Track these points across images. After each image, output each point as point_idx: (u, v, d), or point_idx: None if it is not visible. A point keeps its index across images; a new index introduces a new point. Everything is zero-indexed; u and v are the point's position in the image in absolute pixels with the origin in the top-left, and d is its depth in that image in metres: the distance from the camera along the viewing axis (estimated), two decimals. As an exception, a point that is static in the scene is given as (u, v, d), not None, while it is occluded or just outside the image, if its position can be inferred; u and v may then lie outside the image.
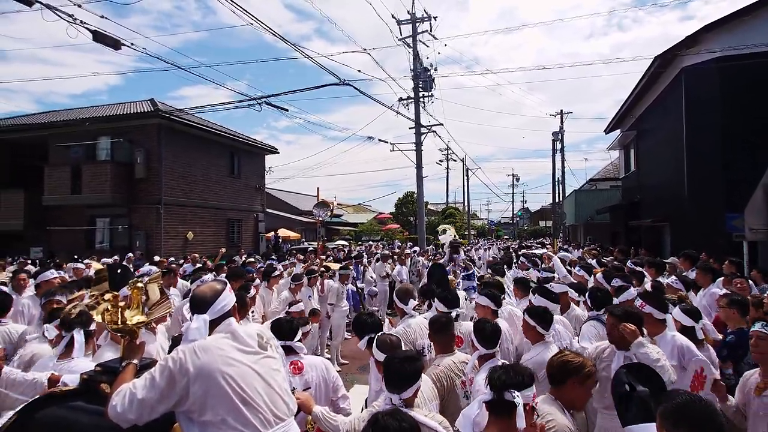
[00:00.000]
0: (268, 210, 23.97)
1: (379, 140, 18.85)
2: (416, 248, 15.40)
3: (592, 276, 5.75)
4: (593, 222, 23.12)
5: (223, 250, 10.94)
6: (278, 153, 23.72)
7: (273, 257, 13.03)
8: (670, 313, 3.38)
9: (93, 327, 3.27)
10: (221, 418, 1.81)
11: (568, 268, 6.97)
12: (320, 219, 13.63)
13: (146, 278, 2.28)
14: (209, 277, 5.52)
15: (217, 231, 19.43)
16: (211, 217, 19.10)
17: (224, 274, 6.76)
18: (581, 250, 15.15)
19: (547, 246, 17.89)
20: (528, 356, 3.21)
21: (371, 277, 11.38)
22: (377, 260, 12.07)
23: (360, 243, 26.25)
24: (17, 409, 1.91)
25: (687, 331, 3.33)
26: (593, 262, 7.70)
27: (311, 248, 17.31)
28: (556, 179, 26.85)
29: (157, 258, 11.79)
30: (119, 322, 1.99)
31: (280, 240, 22.96)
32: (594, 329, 3.53)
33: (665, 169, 13.15)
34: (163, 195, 16.59)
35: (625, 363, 2.81)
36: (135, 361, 1.98)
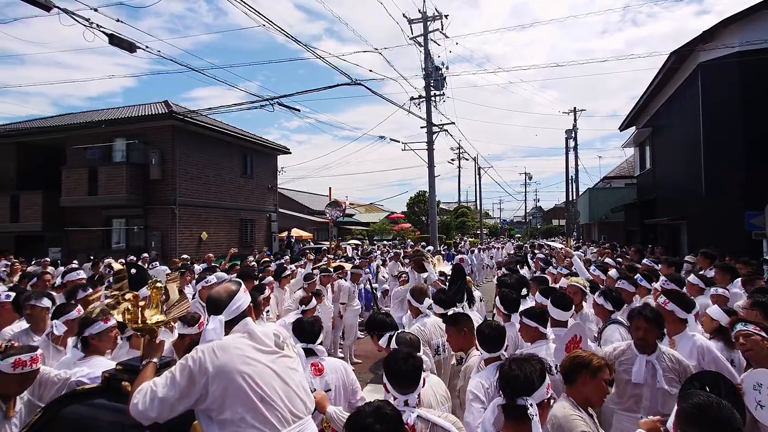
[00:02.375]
0: (280, 210, 24.12)
1: (391, 140, 18.85)
2: (430, 248, 15.36)
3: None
4: (607, 220, 22.84)
5: (234, 250, 11.01)
6: (290, 153, 23.89)
7: (286, 257, 13.09)
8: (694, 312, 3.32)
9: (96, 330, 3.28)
10: (240, 416, 1.83)
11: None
12: (332, 219, 13.67)
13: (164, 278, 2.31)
14: (212, 278, 5.55)
15: (230, 231, 19.61)
16: (224, 217, 19.29)
17: (235, 274, 6.84)
18: (595, 248, 14.99)
19: (562, 244, 17.70)
20: (526, 351, 3.17)
21: (384, 276, 11.41)
22: (389, 259, 12.09)
23: (373, 242, 26.28)
24: (43, 406, 1.95)
25: (723, 331, 3.27)
26: (610, 261, 7.60)
27: (324, 247, 17.40)
28: (570, 177, 26.59)
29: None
30: (139, 322, 2.02)
31: (293, 240, 23.08)
32: (618, 334, 3.44)
33: (682, 166, 12.94)
34: (178, 196, 16.79)
35: (648, 367, 2.78)
36: (155, 360, 2.02)
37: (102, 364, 2.89)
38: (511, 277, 5.50)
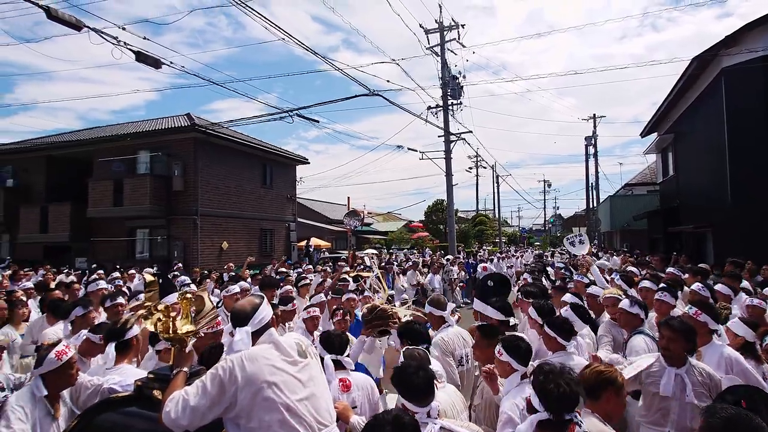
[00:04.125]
0: (298, 219, 24.36)
1: (409, 149, 18.94)
2: (449, 257, 15.30)
3: (633, 288, 5.58)
4: (630, 228, 22.41)
5: (251, 258, 11.15)
6: (309, 163, 24.15)
7: (308, 266, 13.18)
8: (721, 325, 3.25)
9: (129, 336, 3.39)
10: (267, 424, 1.88)
11: (605, 276, 6.78)
12: (351, 228, 13.74)
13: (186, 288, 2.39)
14: (236, 287, 5.65)
15: (250, 241, 19.86)
16: (244, 227, 19.56)
17: (257, 285, 6.94)
18: (617, 257, 14.70)
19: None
20: (547, 359, 3.11)
21: (402, 285, 11.39)
22: (408, 269, 12.08)
23: (390, 252, 26.29)
24: (79, 414, 2.03)
25: (749, 348, 3.18)
26: (634, 270, 7.45)
27: (343, 257, 17.47)
28: (590, 185, 26.24)
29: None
30: (170, 332, 2.09)
31: (312, 249, 23.25)
32: (644, 343, 3.39)
33: (706, 173, 12.67)
34: (200, 206, 17.11)
35: (677, 381, 2.72)
36: (185, 369, 2.08)
37: (131, 373, 2.99)
38: (533, 286, 5.45)
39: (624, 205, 23.53)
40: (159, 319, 2.08)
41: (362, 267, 11.15)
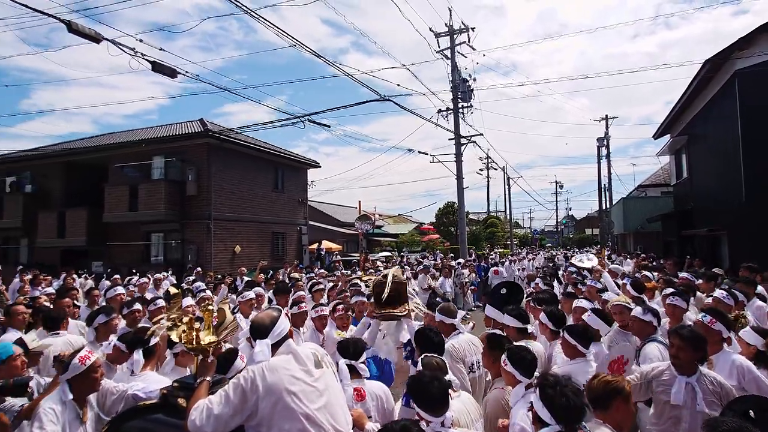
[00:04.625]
0: (310, 222, 24.53)
1: (419, 152, 19.00)
2: (460, 260, 15.31)
3: (644, 294, 5.57)
4: (643, 231, 22.18)
5: (263, 262, 11.28)
6: (320, 167, 24.30)
7: (320, 270, 13.29)
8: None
9: (153, 342, 3.53)
10: None
11: (617, 281, 6.76)
12: (362, 231, 13.83)
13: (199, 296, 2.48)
14: (251, 293, 5.77)
15: (262, 244, 20.07)
16: (257, 230, 19.77)
17: (271, 290, 7.05)
18: (631, 260, 14.58)
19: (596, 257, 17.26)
20: (565, 368, 3.12)
21: (413, 289, 11.42)
22: (419, 272, 12.10)
23: (401, 254, 26.35)
24: (108, 420, 2.13)
25: (763, 358, 3.18)
26: (649, 274, 7.40)
27: (354, 260, 17.58)
28: (602, 186, 26.04)
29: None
30: (194, 343, 2.18)
31: (323, 252, 23.40)
32: (658, 351, 3.40)
33: (721, 175, 12.53)
34: (213, 210, 17.35)
35: (687, 389, 2.74)
36: (208, 378, 2.17)
37: (153, 379, 3.10)
38: (544, 293, 5.47)
39: (637, 207, 23.28)
40: (183, 331, 2.17)
41: (375, 271, 11.22)
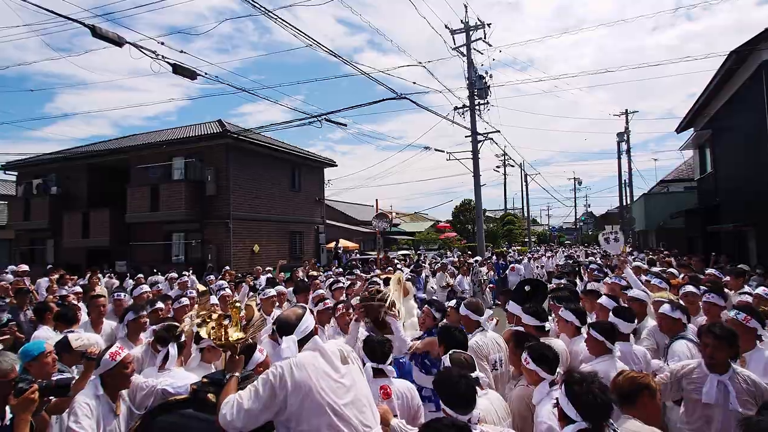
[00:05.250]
0: (327, 221, 24.66)
1: (436, 150, 18.91)
2: (478, 258, 15.21)
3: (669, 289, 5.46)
4: (666, 227, 21.71)
5: (283, 261, 11.37)
6: (336, 166, 24.39)
7: (337, 268, 13.35)
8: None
9: (183, 339, 3.62)
10: (316, 427, 1.99)
11: (643, 277, 6.63)
12: (380, 230, 13.84)
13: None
14: (272, 291, 5.83)
15: (280, 243, 20.25)
16: (275, 229, 19.96)
17: (291, 288, 7.10)
18: (653, 257, 14.28)
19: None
20: (590, 366, 3.07)
21: (432, 287, 11.39)
22: (437, 270, 12.05)
23: (418, 252, 26.31)
24: (141, 414, 2.18)
25: None
26: (675, 271, 7.24)
27: (371, 258, 17.61)
28: (623, 182, 25.58)
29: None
30: (222, 339, 2.21)
31: (341, 250, 23.49)
32: (686, 349, 3.33)
33: (747, 170, 12.19)
34: (232, 210, 17.56)
35: (719, 388, 2.68)
36: (237, 374, 2.20)
37: (181, 375, 3.16)
38: (564, 290, 5.40)
39: (659, 202, 22.82)
40: (212, 327, 2.21)
41: (392, 269, 11.22)
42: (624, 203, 26.30)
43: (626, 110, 27.81)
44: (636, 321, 3.78)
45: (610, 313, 3.84)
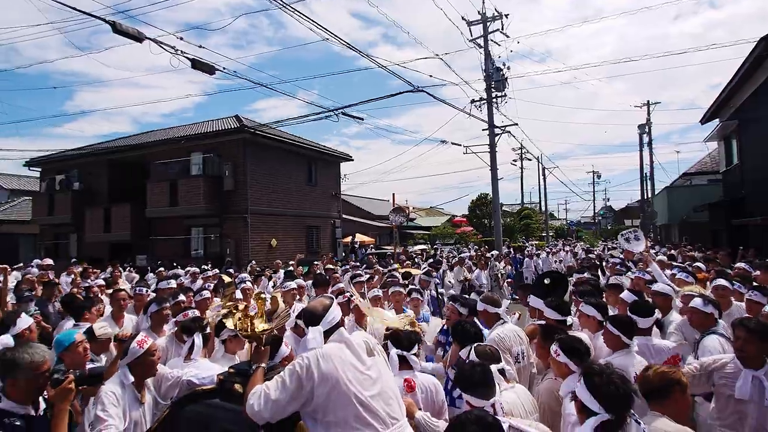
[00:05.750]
0: (343, 216, 24.72)
1: (452, 143, 18.78)
2: (494, 252, 15.09)
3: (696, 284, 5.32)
4: (689, 221, 21.22)
5: (301, 255, 11.44)
6: (352, 160, 24.38)
7: (351, 262, 13.38)
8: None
9: (208, 331, 3.66)
10: (343, 419, 1.98)
11: (668, 272, 6.47)
12: (396, 224, 13.82)
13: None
14: (292, 284, 5.86)
15: (297, 237, 20.37)
16: (292, 224, 20.08)
17: (310, 281, 7.13)
18: (675, 250, 13.99)
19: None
20: (608, 359, 2.98)
21: (449, 281, 11.34)
22: (454, 264, 12.00)
23: (434, 247, 26.24)
24: (169, 404, 2.21)
25: None
26: (701, 265, 7.07)
27: (388, 253, 17.61)
28: (644, 175, 25.07)
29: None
30: (248, 330, 2.22)
31: (357, 245, 23.54)
32: (718, 344, 3.24)
33: (776, 160, 11.81)
34: (249, 205, 17.72)
35: (754, 383, 2.61)
36: (263, 365, 2.21)
37: (206, 366, 3.20)
38: (587, 284, 5.30)
39: (682, 196, 22.29)
40: (239, 318, 2.22)
41: (411, 264, 11.22)
42: (645, 197, 25.77)
43: (648, 101, 27.23)
44: (656, 315, 3.69)
45: (628, 309, 3.76)
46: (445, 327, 4.39)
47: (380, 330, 4.58)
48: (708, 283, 5.76)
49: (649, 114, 27.12)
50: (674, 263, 7.93)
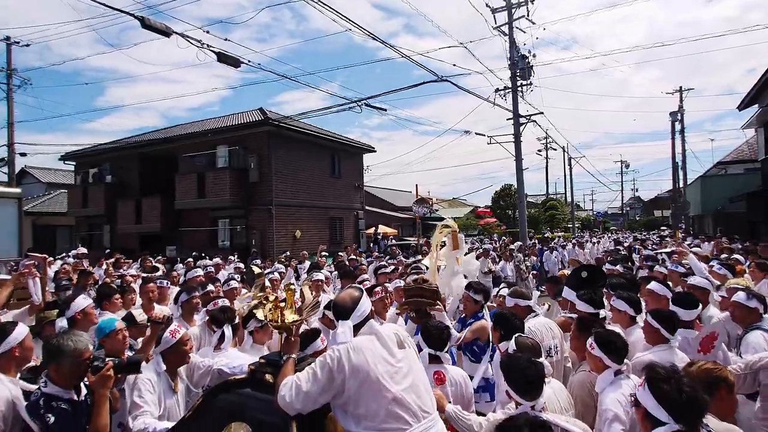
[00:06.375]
0: (366, 207, 24.75)
1: (476, 134, 18.51)
2: (518, 243, 14.87)
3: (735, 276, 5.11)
4: (724, 211, 20.45)
5: (324, 246, 11.49)
6: (375, 152, 24.35)
7: (375, 254, 13.39)
8: None
9: (237, 321, 3.70)
10: (374, 411, 1.96)
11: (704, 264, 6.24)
12: (420, 215, 13.74)
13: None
14: (320, 275, 5.89)
15: (321, 229, 20.52)
16: (315, 215, 20.24)
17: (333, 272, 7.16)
18: (709, 243, 13.50)
19: (669, 240, 16.12)
20: (647, 356, 2.89)
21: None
22: (478, 256, 11.87)
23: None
24: (202, 393, 2.24)
25: None
26: (740, 257, 6.79)
27: (412, 243, 17.57)
28: (677, 164, 24.24)
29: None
30: (279, 321, 2.22)
31: (380, 236, 23.56)
32: (763, 340, 3.10)
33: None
34: (274, 196, 17.92)
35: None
36: (294, 356, 2.21)
37: (235, 356, 3.24)
38: (620, 277, 5.15)
39: (718, 185, 21.47)
40: (270, 309, 2.22)
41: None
42: (677, 187, 24.94)
43: (680, 87, 26.23)
44: (700, 308, 3.54)
45: (669, 301, 3.62)
46: (462, 316, 4.35)
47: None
48: (749, 275, 5.53)
49: (681, 100, 26.15)
50: (709, 255, 7.65)
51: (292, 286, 2.35)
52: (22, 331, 2.50)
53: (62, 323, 3.33)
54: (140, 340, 3.33)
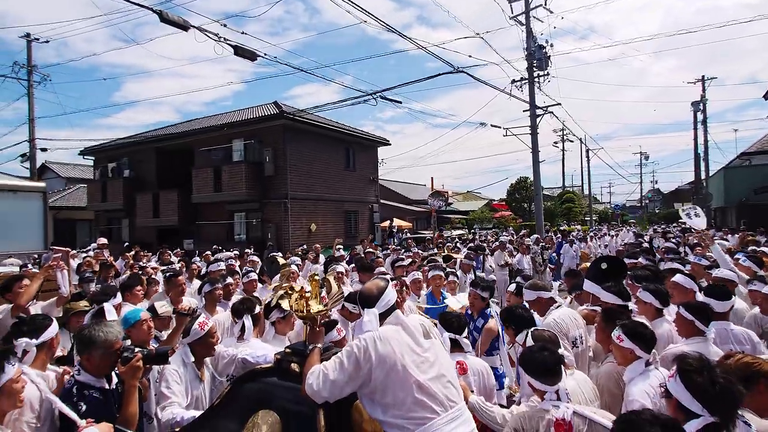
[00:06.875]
0: (380, 200, 24.74)
1: (492, 126, 18.33)
2: (535, 236, 14.74)
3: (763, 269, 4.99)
4: (748, 203, 19.96)
5: (340, 240, 11.52)
6: (390, 144, 24.29)
7: (391, 247, 13.38)
8: None
9: (258, 311, 3.73)
10: (401, 400, 1.96)
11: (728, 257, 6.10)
12: (435, 208, 13.69)
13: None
14: (340, 267, 5.92)
15: (336, 222, 20.59)
16: (330, 209, 20.30)
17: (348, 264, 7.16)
18: (733, 235, 13.20)
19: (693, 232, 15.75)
20: (682, 345, 2.85)
21: (490, 266, 11.16)
22: (495, 249, 11.79)
23: (472, 231, 25.91)
24: (230, 382, 2.27)
25: None
26: (766, 249, 6.63)
27: (428, 237, 17.52)
28: (699, 155, 23.71)
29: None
30: (303, 311, 2.23)
31: (395, 229, 23.56)
32: None
33: None
34: (289, 190, 18.01)
35: None
36: (319, 345, 2.23)
37: (258, 346, 3.28)
38: (645, 269, 5.06)
39: (741, 177, 20.96)
40: (295, 299, 2.23)
41: (451, 246, 11.09)
42: (699, 178, 24.40)
43: (703, 77, 25.57)
44: (734, 299, 3.46)
45: (701, 293, 3.54)
46: (469, 312, 4.33)
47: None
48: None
49: (704, 90, 25.52)
50: (734, 248, 7.47)
51: (316, 277, 2.35)
52: (55, 325, 2.58)
53: (110, 308, 3.32)
54: (163, 332, 3.38)
